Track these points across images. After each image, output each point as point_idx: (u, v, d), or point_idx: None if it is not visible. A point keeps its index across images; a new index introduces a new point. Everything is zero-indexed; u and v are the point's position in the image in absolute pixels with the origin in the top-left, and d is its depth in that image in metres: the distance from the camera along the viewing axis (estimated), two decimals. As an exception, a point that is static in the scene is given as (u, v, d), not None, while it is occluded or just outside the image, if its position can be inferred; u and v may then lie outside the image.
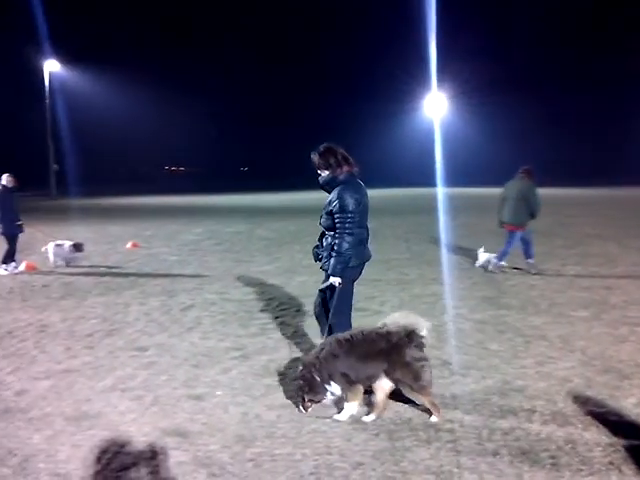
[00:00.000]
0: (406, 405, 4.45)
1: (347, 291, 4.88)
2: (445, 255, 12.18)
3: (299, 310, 7.49)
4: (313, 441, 3.93)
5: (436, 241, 14.44)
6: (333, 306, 4.80)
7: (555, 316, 7.06)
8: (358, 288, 8.61)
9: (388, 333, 4.30)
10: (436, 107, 53.85)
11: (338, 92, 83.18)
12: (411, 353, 4.19)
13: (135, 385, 5.01)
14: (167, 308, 7.76)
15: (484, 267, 10.22)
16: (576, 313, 7.19)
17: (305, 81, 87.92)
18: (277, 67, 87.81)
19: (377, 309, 7.48)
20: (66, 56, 47.88)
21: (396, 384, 4.23)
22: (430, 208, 26.09)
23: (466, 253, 12.24)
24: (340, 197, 4.63)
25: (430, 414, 4.22)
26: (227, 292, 8.71)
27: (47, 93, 45.84)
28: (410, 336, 4.25)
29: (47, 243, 11.58)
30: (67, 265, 11.27)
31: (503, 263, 10.07)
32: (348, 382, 4.24)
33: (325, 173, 4.83)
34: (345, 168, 4.78)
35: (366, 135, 79.99)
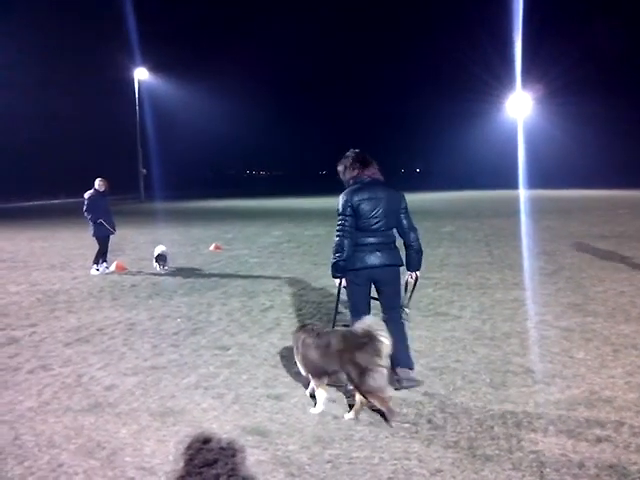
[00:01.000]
0: (487, 413, 4.36)
1: (351, 293, 4.99)
2: (527, 260, 11.80)
3: (377, 314, 7.45)
4: (391, 445, 3.91)
5: (518, 245, 14.03)
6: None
7: (647, 325, 6.70)
8: (439, 292, 8.63)
9: (348, 334, 4.40)
10: (520, 108, 52.32)
11: (420, 93, 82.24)
12: (363, 356, 4.21)
13: (217, 383, 5.16)
14: (248, 309, 7.96)
15: None
16: (670, 322, 6.80)
17: (387, 83, 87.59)
18: (357, 68, 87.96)
19: (457, 314, 7.36)
20: (154, 64, 50.01)
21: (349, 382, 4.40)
22: (512, 211, 25.40)
23: (549, 258, 11.83)
24: (339, 200, 4.87)
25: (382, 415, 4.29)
26: (305, 294, 8.83)
27: (137, 100, 47.94)
28: (367, 339, 4.24)
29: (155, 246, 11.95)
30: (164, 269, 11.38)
31: None
32: (308, 372, 4.56)
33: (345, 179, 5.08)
34: (355, 172, 4.93)
35: (447, 136, 78.87)
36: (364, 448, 3.89)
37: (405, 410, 4.46)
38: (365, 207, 4.74)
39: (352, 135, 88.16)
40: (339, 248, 4.76)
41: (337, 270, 4.82)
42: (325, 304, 8.07)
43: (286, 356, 5.81)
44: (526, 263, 11.36)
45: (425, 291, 8.77)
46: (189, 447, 3.98)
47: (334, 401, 4.68)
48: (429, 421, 4.26)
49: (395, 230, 4.99)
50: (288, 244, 15.45)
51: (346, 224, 4.75)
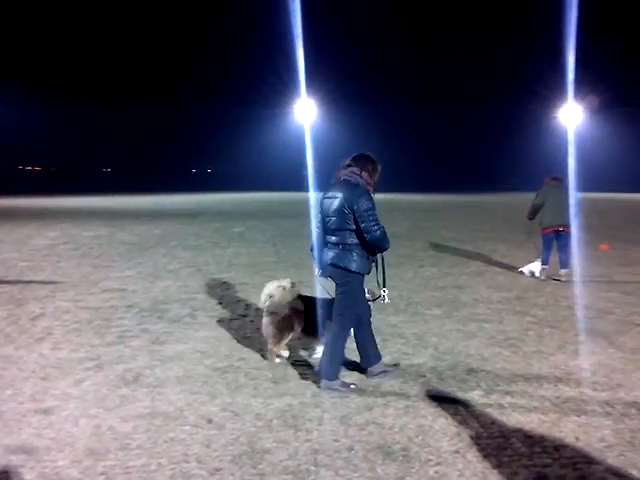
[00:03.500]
0: (268, 407, 4.46)
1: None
2: (312, 258, 12.35)
3: (161, 316, 7.25)
4: (170, 450, 3.81)
5: (303, 244, 14.63)
6: None
7: (411, 315, 7.42)
8: (225, 292, 8.65)
9: None
10: (306, 113, 54.68)
11: (210, 93, 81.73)
12: None
13: (-26, 402, 4.59)
14: (15, 318, 7.19)
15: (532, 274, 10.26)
16: (430, 311, 7.61)
17: (177, 82, 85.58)
18: (149, 64, 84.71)
19: (242, 313, 7.45)
20: None
21: None
22: (300, 212, 26.50)
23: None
24: None
25: None
26: (83, 299, 8.23)
27: None
28: None
29: None
30: None
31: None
32: None
33: None
34: (339, 172, 5.09)
35: (237, 139, 79.62)
36: (141, 456, 3.73)
37: (186, 413, 4.38)
38: (324, 206, 4.96)
39: (142, 133, 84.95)
40: (312, 241, 5.22)
41: (315, 261, 5.24)
42: (104, 309, 7.61)
43: (58, 367, 5.37)
44: (309, 261, 11.87)
45: (214, 291, 8.75)
46: None
47: (110, 410, 4.44)
48: (210, 421, 4.23)
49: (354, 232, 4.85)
50: (65, 246, 14.30)
51: (316, 220, 5.11)
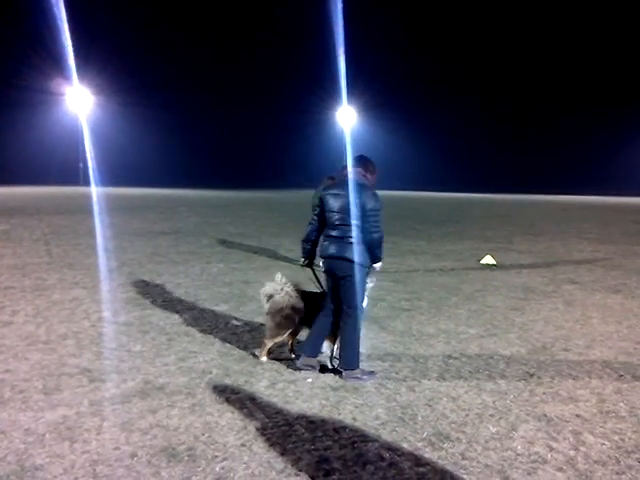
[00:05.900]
0: (39, 421, 4.05)
1: (324, 277, 5.38)
2: (90, 257, 11.60)
3: None
4: None
5: (80, 243, 13.69)
6: None
7: (199, 312, 7.31)
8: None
9: None
10: (80, 102, 51.10)
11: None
12: None
13: None
14: None
15: None
16: (218, 307, 7.57)
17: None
18: None
19: (8, 320, 6.68)
20: None
21: None
22: (76, 208, 24.78)
23: (112, 254, 11.92)
24: None
25: None
26: None
27: None
28: None
29: None
30: None
31: None
32: None
33: None
34: (343, 172, 5.35)
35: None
36: None
37: (-64, 437, 3.80)
38: (328, 202, 5.14)
39: None
40: (305, 233, 5.44)
41: (302, 252, 5.53)
42: None
43: None
44: (88, 261, 11.15)
45: (-30, 297, 7.74)
46: None
47: None
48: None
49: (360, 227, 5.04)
50: None
51: (313, 214, 5.40)
